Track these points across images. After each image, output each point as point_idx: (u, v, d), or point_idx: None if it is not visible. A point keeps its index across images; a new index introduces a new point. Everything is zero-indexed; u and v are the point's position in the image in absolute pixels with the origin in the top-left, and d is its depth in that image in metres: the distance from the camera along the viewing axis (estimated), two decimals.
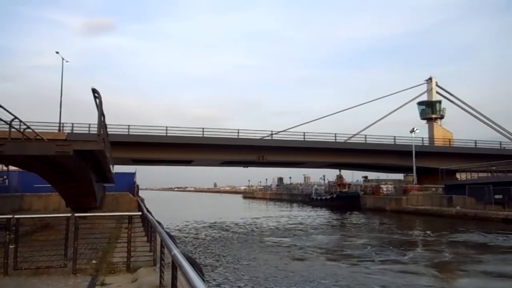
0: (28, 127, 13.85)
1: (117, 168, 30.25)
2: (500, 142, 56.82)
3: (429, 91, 61.39)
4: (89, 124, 37.07)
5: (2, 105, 10.57)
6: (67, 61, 40.18)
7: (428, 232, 27.45)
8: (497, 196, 33.66)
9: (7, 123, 11.23)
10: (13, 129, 11.37)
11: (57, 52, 38.98)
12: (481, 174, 45.22)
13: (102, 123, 11.82)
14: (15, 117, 11.64)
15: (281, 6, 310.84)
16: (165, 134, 42.50)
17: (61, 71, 39.62)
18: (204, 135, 44.05)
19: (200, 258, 16.75)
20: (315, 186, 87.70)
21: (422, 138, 55.61)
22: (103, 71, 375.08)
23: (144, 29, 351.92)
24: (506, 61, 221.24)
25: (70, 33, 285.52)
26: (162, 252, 6.26)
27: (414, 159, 47.28)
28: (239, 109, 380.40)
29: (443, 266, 16.48)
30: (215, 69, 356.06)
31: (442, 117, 62.01)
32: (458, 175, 49.99)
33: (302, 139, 47.71)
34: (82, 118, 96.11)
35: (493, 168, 43.16)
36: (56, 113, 37.89)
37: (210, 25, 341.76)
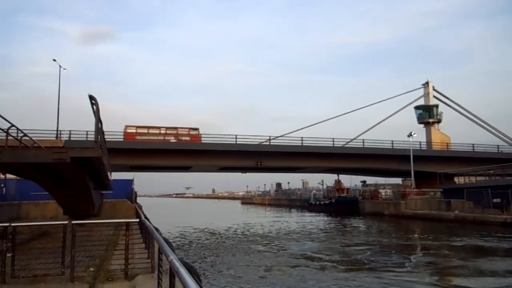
0: (26, 135, 13.82)
1: (115, 175, 30.21)
2: (498, 145, 57.01)
3: (426, 95, 61.65)
4: (87, 131, 37.04)
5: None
6: (64, 69, 40.19)
7: (427, 236, 27.44)
8: (495, 200, 33.64)
9: (4, 131, 11.21)
10: (10, 137, 11.34)
11: (54, 60, 38.98)
12: (479, 178, 45.25)
13: (99, 130, 11.82)
14: (12, 125, 11.62)
15: (275, 12, 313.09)
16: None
17: (59, 79, 39.63)
18: (202, 141, 44.06)
19: (197, 264, 16.68)
20: (314, 191, 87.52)
21: (420, 142, 55.82)
22: (99, 78, 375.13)
23: (140, 36, 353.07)
24: (501, 64, 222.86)
25: (67, 41, 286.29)
26: (160, 259, 6.23)
27: (412, 163, 47.34)
28: (236, 115, 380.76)
29: (443, 271, 16.45)
30: (211, 76, 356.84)
31: (439, 121, 62.23)
32: (456, 179, 50.02)
33: (300, 144, 47.75)
34: (79, 125, 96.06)
35: (491, 171, 43.22)
36: (54, 120, 37.84)
37: (205, 32, 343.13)
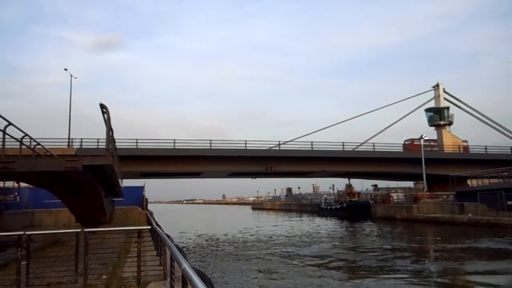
0: (38, 144, 14.02)
1: (126, 182, 30.44)
2: (511, 147, 56.12)
3: (437, 97, 61.01)
4: (98, 139, 37.48)
5: (13, 122, 10.73)
6: (75, 78, 40.82)
7: (440, 240, 27.05)
8: (509, 202, 33.09)
9: (18, 140, 11.39)
10: (23, 146, 11.52)
11: (65, 69, 39.66)
12: (492, 180, 44.57)
13: (110, 138, 11.91)
14: (26, 134, 11.80)
15: (283, 17, 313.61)
16: (173, 147, 42.67)
17: (70, 88, 40.23)
18: (212, 147, 44.18)
19: (209, 271, 16.65)
20: (325, 196, 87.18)
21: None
22: (109, 86, 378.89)
23: (149, 43, 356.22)
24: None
25: (77, 50, 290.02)
26: (172, 266, 6.25)
27: (423, 166, 46.86)
28: (245, 120, 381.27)
29: (460, 277, 16.18)
30: (219, 81, 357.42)
31: (450, 124, 61.47)
32: (469, 182, 49.36)
33: (310, 149, 47.59)
34: (90, 133, 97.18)
35: (505, 174, 42.54)
36: (65, 129, 38.35)
37: (214, 38, 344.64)
